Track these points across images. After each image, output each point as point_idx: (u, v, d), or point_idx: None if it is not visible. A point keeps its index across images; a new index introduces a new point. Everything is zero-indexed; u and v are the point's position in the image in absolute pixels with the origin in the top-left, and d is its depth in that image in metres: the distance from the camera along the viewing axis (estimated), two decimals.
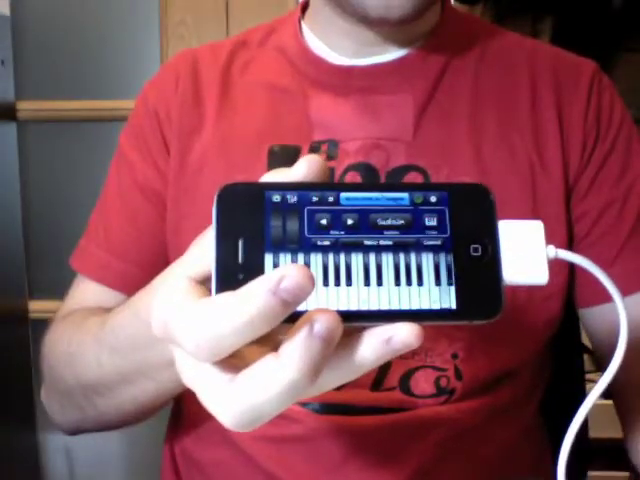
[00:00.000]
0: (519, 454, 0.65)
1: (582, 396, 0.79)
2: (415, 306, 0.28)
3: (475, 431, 0.60)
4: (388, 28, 0.60)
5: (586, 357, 0.82)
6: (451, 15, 0.65)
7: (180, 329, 0.27)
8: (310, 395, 0.28)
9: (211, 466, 0.64)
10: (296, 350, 0.26)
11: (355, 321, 0.28)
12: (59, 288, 0.73)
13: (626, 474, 1.40)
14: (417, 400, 0.59)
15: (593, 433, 0.77)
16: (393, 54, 0.62)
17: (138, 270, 0.65)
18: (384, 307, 0.28)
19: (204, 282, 0.30)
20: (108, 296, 0.64)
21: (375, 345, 0.28)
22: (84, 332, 0.56)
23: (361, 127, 0.61)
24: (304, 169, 0.31)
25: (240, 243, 0.28)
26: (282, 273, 0.25)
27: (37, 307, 1.41)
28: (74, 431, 0.64)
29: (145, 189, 0.65)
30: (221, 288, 0.27)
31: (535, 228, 0.31)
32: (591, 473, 0.78)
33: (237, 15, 1.34)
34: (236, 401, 0.27)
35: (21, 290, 1.41)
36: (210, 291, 0.29)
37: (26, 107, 1.38)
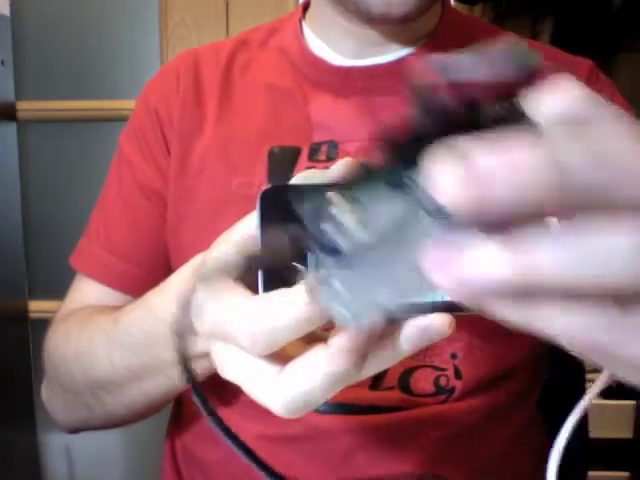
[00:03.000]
0: (519, 451, 0.65)
1: (582, 396, 0.79)
2: (447, 298, 0.31)
3: (475, 429, 0.60)
4: (390, 26, 0.60)
5: None
6: (451, 16, 0.65)
7: (235, 324, 0.29)
8: (354, 381, 0.30)
9: (212, 464, 0.64)
10: (346, 341, 0.28)
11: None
12: (59, 288, 0.73)
13: (626, 474, 1.40)
14: (416, 399, 0.59)
15: (593, 433, 0.77)
16: (393, 55, 0.62)
17: (139, 270, 0.65)
18: (419, 300, 0.30)
19: (242, 279, 0.32)
20: (109, 295, 0.64)
21: (412, 335, 0.30)
22: (92, 330, 0.56)
23: (360, 128, 0.61)
24: (339, 171, 0.33)
25: (284, 243, 0.30)
26: None
27: (37, 307, 1.41)
28: (77, 429, 0.64)
29: (145, 189, 0.65)
30: (269, 286, 0.30)
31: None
32: (591, 473, 0.78)
33: (237, 15, 1.34)
34: (287, 389, 0.29)
35: (21, 290, 1.41)
36: (250, 287, 0.31)
37: (26, 107, 1.38)
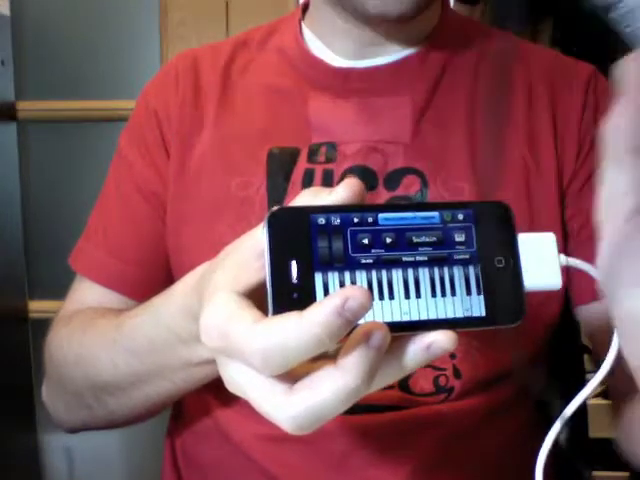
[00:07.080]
0: (518, 451, 0.65)
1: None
2: (450, 315, 0.32)
3: (474, 429, 0.60)
4: (387, 26, 0.60)
5: (586, 357, 0.82)
6: (450, 17, 0.65)
7: (246, 344, 0.29)
8: (361, 397, 0.30)
9: (210, 465, 0.64)
10: (356, 360, 0.29)
11: (398, 331, 0.31)
12: (59, 288, 0.73)
13: (626, 474, 1.40)
14: (416, 398, 0.59)
15: (593, 433, 0.77)
16: (392, 56, 0.62)
17: (137, 271, 0.65)
18: (423, 317, 0.31)
19: (249, 295, 0.32)
20: (108, 297, 0.64)
21: (417, 351, 0.31)
22: (95, 333, 0.57)
23: (360, 129, 0.61)
24: (344, 192, 0.33)
25: (292, 264, 0.30)
26: (346, 295, 0.27)
27: (37, 307, 1.41)
28: (77, 429, 0.64)
29: (144, 190, 0.65)
30: (278, 307, 0.30)
31: (548, 239, 0.34)
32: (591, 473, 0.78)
33: (237, 15, 1.34)
34: (297, 407, 0.29)
35: (21, 290, 1.41)
36: (258, 305, 0.31)
37: (26, 107, 1.38)
